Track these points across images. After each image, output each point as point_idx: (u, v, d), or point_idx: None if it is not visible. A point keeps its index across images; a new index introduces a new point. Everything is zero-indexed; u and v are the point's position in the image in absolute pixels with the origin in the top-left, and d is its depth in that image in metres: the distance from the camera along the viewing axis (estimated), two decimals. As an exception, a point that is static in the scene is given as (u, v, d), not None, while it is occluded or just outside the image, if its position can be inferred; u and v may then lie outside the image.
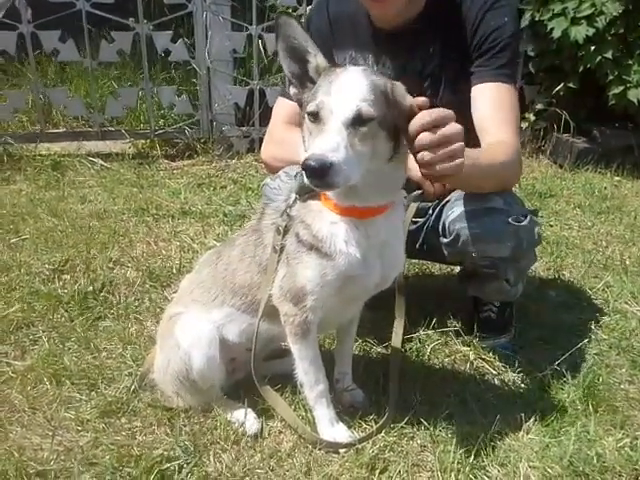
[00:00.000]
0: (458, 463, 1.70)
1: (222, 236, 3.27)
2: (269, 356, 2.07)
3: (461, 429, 1.84)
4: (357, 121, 1.43)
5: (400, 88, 1.55)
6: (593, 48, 4.43)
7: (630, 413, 1.98)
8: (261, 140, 2.68)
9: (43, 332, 2.31)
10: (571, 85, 4.76)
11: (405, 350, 2.24)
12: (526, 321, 2.51)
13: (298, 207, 1.71)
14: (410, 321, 2.23)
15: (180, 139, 4.80)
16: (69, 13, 4.38)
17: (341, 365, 2.02)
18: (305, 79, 1.62)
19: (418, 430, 1.84)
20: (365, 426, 1.87)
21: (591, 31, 4.38)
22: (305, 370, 1.79)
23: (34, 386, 2.00)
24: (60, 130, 4.92)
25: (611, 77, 4.47)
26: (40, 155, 4.53)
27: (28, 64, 4.68)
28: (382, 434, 1.80)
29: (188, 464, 1.69)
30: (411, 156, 1.60)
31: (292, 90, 1.65)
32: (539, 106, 5.06)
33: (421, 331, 2.34)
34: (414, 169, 1.66)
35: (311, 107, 1.48)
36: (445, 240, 2.11)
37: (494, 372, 2.19)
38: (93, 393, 1.98)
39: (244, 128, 4.89)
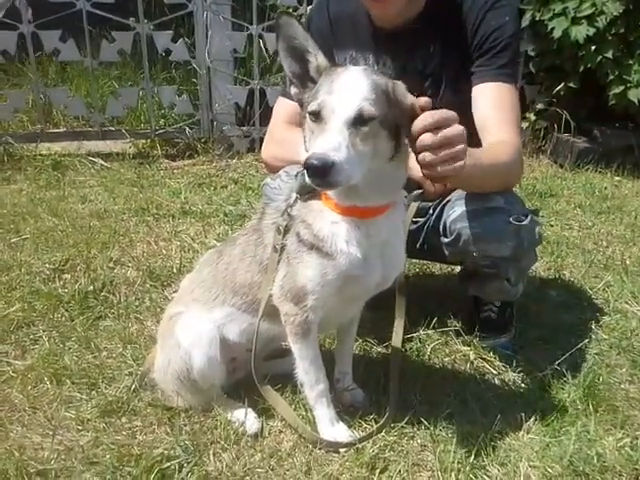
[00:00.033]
0: (458, 463, 1.70)
1: (222, 236, 3.27)
2: (269, 356, 2.07)
3: (461, 429, 1.84)
4: (359, 120, 1.43)
5: (401, 87, 1.55)
6: (593, 48, 4.44)
7: (630, 413, 1.98)
8: (261, 140, 2.68)
9: (43, 331, 2.31)
10: (571, 85, 4.76)
11: (405, 350, 2.24)
12: (526, 321, 2.51)
13: (299, 207, 1.71)
14: (410, 321, 2.24)
15: (180, 139, 4.81)
16: (69, 13, 4.39)
17: (341, 365, 2.02)
18: (306, 79, 1.62)
19: (418, 430, 1.85)
20: (365, 426, 1.87)
21: (592, 31, 4.38)
22: (305, 370, 1.79)
23: (34, 385, 2.00)
24: (60, 130, 4.92)
25: (611, 77, 4.48)
26: (40, 155, 4.54)
27: (29, 64, 4.69)
28: (382, 434, 1.80)
29: (188, 463, 1.69)
30: (411, 155, 1.60)
31: (293, 90, 1.65)
32: (539, 106, 5.06)
33: (421, 331, 2.34)
34: (414, 168, 1.66)
35: (312, 106, 1.48)
36: (446, 240, 2.11)
37: (494, 372, 2.19)
38: (93, 392, 1.98)
39: (244, 128, 4.90)
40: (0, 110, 4.69)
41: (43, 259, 2.88)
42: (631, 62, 4.46)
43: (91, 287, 2.63)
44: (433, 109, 1.50)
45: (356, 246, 1.63)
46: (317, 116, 1.47)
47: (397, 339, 2.04)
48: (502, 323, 2.38)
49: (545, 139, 5.10)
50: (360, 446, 1.75)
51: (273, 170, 2.29)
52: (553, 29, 4.50)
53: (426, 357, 2.24)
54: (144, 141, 4.85)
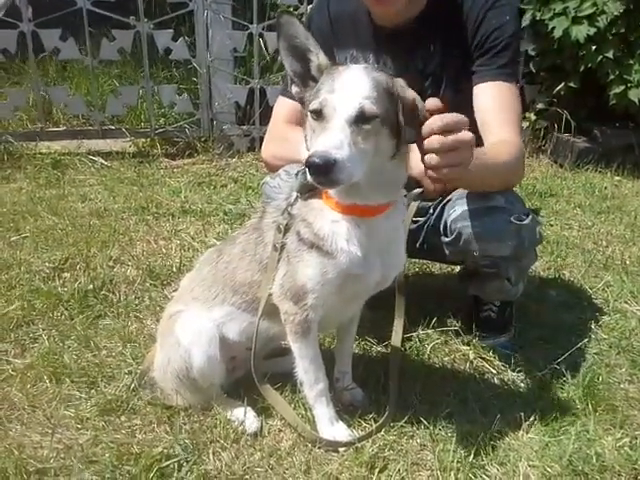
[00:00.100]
0: (458, 462, 1.70)
1: (222, 235, 3.27)
2: (269, 354, 2.07)
3: (461, 428, 1.84)
4: (360, 119, 1.43)
5: (400, 82, 1.55)
6: (594, 48, 4.44)
7: (630, 412, 1.98)
8: (261, 139, 2.68)
9: (43, 330, 2.31)
10: (572, 85, 4.76)
11: (405, 349, 2.24)
12: (526, 320, 2.51)
13: (299, 205, 1.71)
14: (410, 320, 2.24)
15: (180, 138, 4.81)
16: (70, 11, 4.39)
17: (341, 364, 2.02)
18: (307, 78, 1.62)
19: (418, 429, 1.84)
20: (365, 425, 1.87)
21: (592, 30, 4.38)
22: (305, 369, 1.79)
23: (34, 384, 2.00)
24: (60, 128, 4.93)
25: (612, 77, 4.48)
26: (40, 153, 4.54)
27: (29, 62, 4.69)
28: (382, 433, 1.80)
29: (188, 462, 1.68)
30: (412, 154, 1.61)
31: (294, 89, 1.65)
32: (540, 106, 5.06)
33: (421, 330, 2.34)
34: (415, 167, 1.66)
35: (314, 105, 1.49)
36: (446, 239, 2.11)
37: (494, 371, 2.19)
38: (93, 391, 1.98)
39: (244, 127, 4.90)
40: (0, 108, 4.69)
41: (43, 258, 2.88)
42: (631, 62, 4.46)
43: (91, 286, 2.63)
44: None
45: (356, 245, 1.63)
46: (319, 114, 1.47)
47: (397, 338, 2.05)
48: (502, 323, 2.38)
49: (545, 139, 5.10)
50: (359, 445, 1.75)
51: (273, 169, 2.29)
52: (554, 29, 4.50)
53: (426, 356, 2.24)
54: (144, 140, 4.85)
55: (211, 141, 4.84)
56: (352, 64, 1.86)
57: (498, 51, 2.09)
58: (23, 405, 1.90)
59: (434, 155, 1.49)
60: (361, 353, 2.25)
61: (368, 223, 1.65)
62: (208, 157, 4.76)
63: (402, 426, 1.83)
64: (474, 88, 2.12)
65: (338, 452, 1.75)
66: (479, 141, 2.00)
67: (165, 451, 1.71)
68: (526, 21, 4.67)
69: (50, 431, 1.79)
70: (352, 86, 1.47)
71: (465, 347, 2.29)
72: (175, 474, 1.65)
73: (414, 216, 2.09)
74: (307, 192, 1.68)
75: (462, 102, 2.04)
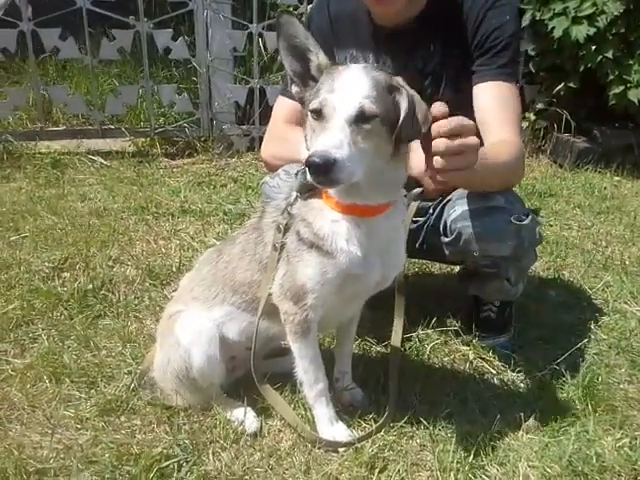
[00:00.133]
0: (457, 462, 1.70)
1: (222, 234, 3.27)
2: (269, 354, 2.07)
3: (460, 428, 1.84)
4: (360, 118, 1.44)
5: (399, 79, 1.56)
6: (594, 48, 4.44)
7: (629, 413, 1.98)
8: (261, 139, 2.68)
9: (43, 330, 2.31)
10: (572, 85, 4.76)
11: (405, 349, 2.24)
12: (526, 321, 2.51)
13: (299, 205, 1.71)
14: (410, 320, 2.24)
15: (180, 137, 4.80)
16: (70, 11, 4.39)
17: (341, 364, 2.01)
18: (307, 77, 1.62)
19: (417, 429, 1.84)
20: (364, 425, 1.87)
21: (592, 31, 4.38)
22: (305, 369, 1.79)
23: (33, 384, 2.00)
24: (60, 128, 4.92)
25: (612, 77, 4.48)
26: (40, 153, 4.54)
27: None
28: (381, 433, 1.80)
29: (187, 462, 1.68)
30: (412, 154, 1.61)
31: (294, 89, 1.65)
32: (539, 106, 5.06)
33: (420, 330, 2.34)
34: (415, 167, 1.66)
35: (314, 105, 1.49)
36: (446, 239, 2.11)
37: (494, 372, 2.19)
38: (92, 391, 1.98)
39: (244, 127, 4.89)
40: (0, 108, 4.68)
41: (42, 257, 2.88)
42: (631, 62, 4.46)
43: (90, 286, 2.62)
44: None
45: (356, 245, 1.63)
46: (319, 114, 1.48)
47: (396, 338, 2.05)
48: (501, 323, 2.38)
49: (545, 139, 5.10)
50: (359, 445, 1.75)
51: (273, 169, 2.29)
52: (553, 29, 4.50)
53: (425, 357, 2.24)
54: (144, 139, 4.85)
55: (211, 141, 4.83)
56: (352, 64, 1.86)
57: (498, 51, 2.09)
58: (23, 405, 1.90)
59: (439, 158, 1.49)
60: (361, 353, 2.25)
61: (368, 223, 1.65)
62: (208, 157, 4.75)
63: (402, 426, 1.83)
64: (474, 88, 2.12)
65: (338, 452, 1.75)
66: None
67: (165, 451, 1.71)
68: (526, 21, 4.68)
69: (50, 431, 1.79)
70: (352, 86, 1.47)
71: (465, 347, 2.29)
72: (175, 474, 1.65)
73: (414, 216, 2.10)
74: (307, 192, 1.69)
75: (462, 101, 2.05)
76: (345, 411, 1.91)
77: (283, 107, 2.29)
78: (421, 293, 2.58)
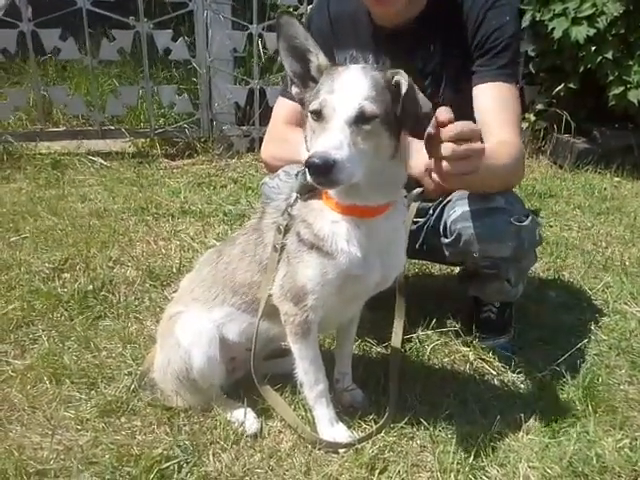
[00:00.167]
0: (458, 463, 1.70)
1: (222, 235, 3.27)
2: (269, 355, 2.07)
3: (461, 429, 1.84)
4: (360, 119, 1.44)
5: (395, 72, 1.55)
6: (594, 48, 4.44)
7: (629, 414, 1.98)
8: (261, 139, 2.68)
9: (43, 331, 2.31)
10: (571, 85, 4.76)
11: (405, 350, 2.24)
12: (526, 321, 2.51)
13: (299, 206, 1.71)
14: (410, 321, 2.24)
15: (180, 138, 4.81)
16: (70, 11, 4.39)
17: (341, 365, 2.01)
18: (307, 78, 1.62)
19: (418, 430, 1.84)
20: (365, 426, 1.87)
21: (592, 31, 4.38)
22: (305, 370, 1.79)
23: (34, 385, 2.00)
24: (60, 129, 4.92)
25: (611, 77, 4.48)
26: (40, 154, 4.54)
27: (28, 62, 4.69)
28: (382, 434, 1.80)
29: (188, 463, 1.68)
30: (412, 153, 1.61)
31: (294, 89, 1.65)
32: (539, 106, 5.07)
33: (421, 331, 2.34)
34: (415, 167, 1.66)
35: (314, 106, 1.49)
36: (446, 240, 2.11)
37: (494, 372, 2.19)
38: (93, 392, 1.98)
39: (244, 127, 4.90)
40: (0, 108, 4.68)
41: (42, 258, 2.88)
42: (631, 63, 4.47)
43: (90, 286, 2.62)
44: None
45: (356, 245, 1.63)
46: (318, 115, 1.48)
47: (397, 339, 2.04)
48: (501, 324, 2.38)
49: (545, 140, 5.11)
50: (359, 447, 1.75)
51: (273, 170, 2.29)
52: (553, 29, 4.50)
53: (425, 358, 2.24)
54: (144, 140, 4.85)
55: (211, 141, 4.83)
56: (351, 64, 1.86)
57: (498, 52, 2.09)
58: (23, 406, 1.90)
59: (445, 162, 1.50)
60: (361, 354, 2.25)
61: (368, 224, 1.65)
62: (208, 157, 4.76)
63: (402, 427, 1.83)
64: (474, 89, 2.12)
65: (338, 453, 1.75)
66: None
67: (165, 452, 1.70)
68: (526, 22, 4.68)
69: (50, 432, 1.79)
70: (351, 87, 1.47)
71: (465, 348, 2.29)
72: (175, 475, 1.65)
73: (414, 217, 2.09)
74: (307, 193, 1.68)
75: (462, 101, 2.05)
76: (345, 412, 1.91)
77: (283, 108, 2.29)
78: (421, 294, 2.58)
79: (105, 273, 2.77)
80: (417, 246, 2.34)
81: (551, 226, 3.64)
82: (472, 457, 1.72)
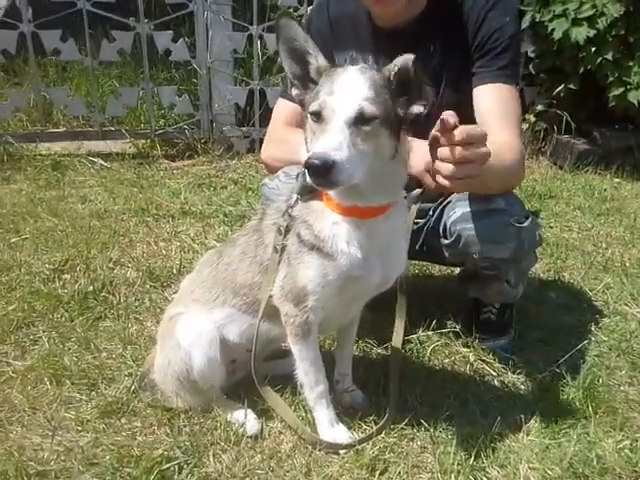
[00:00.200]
0: (458, 464, 1.70)
1: (222, 236, 3.27)
2: (269, 356, 2.07)
3: (461, 430, 1.84)
4: (359, 120, 1.44)
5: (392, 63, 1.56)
6: (594, 49, 4.45)
7: (630, 415, 1.98)
8: (261, 140, 2.68)
9: (43, 332, 2.31)
10: (571, 86, 4.76)
11: (405, 351, 2.24)
12: (526, 322, 2.51)
13: (300, 207, 1.71)
14: (410, 322, 2.23)
15: (180, 139, 4.81)
16: (70, 12, 4.39)
17: (341, 366, 2.01)
18: (307, 80, 1.62)
19: (418, 431, 1.84)
20: (365, 427, 1.87)
21: (592, 32, 4.38)
22: (305, 371, 1.79)
23: (34, 386, 2.00)
24: (60, 130, 4.92)
25: (611, 78, 4.48)
26: (40, 155, 4.54)
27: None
28: (382, 435, 1.80)
29: (188, 464, 1.69)
30: (412, 153, 1.62)
31: (294, 91, 1.65)
32: (539, 107, 5.07)
33: (421, 332, 2.34)
34: (415, 166, 1.66)
35: (313, 107, 1.49)
36: (446, 241, 2.11)
37: (494, 373, 2.19)
38: (93, 393, 1.98)
39: (244, 128, 4.90)
40: (0, 109, 4.69)
41: (43, 259, 2.88)
42: (631, 64, 4.47)
43: (91, 287, 2.62)
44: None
45: (357, 246, 1.63)
46: (318, 116, 1.48)
47: (398, 339, 2.04)
48: (502, 325, 2.38)
49: (545, 140, 5.11)
50: (360, 447, 1.75)
51: (273, 171, 2.29)
52: (553, 30, 4.50)
53: (426, 358, 2.24)
54: (144, 141, 4.85)
55: (211, 142, 4.84)
56: (351, 65, 1.86)
57: (498, 52, 2.10)
58: (23, 407, 1.90)
59: (450, 165, 1.50)
60: (361, 355, 2.25)
61: (368, 225, 1.65)
62: (208, 158, 4.76)
63: (402, 428, 1.83)
64: (474, 90, 2.12)
65: (338, 454, 1.75)
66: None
67: (165, 453, 1.70)
68: (526, 23, 4.68)
69: (50, 433, 1.79)
70: (351, 88, 1.48)
71: (465, 349, 2.29)
72: (175, 476, 1.65)
73: (414, 218, 2.09)
74: (307, 194, 1.69)
75: (462, 102, 2.05)
76: (345, 413, 1.91)
77: (283, 109, 2.29)
78: (421, 295, 2.57)
79: (105, 274, 2.77)
80: (417, 247, 2.33)
81: (551, 227, 3.64)
82: (472, 458, 1.72)
